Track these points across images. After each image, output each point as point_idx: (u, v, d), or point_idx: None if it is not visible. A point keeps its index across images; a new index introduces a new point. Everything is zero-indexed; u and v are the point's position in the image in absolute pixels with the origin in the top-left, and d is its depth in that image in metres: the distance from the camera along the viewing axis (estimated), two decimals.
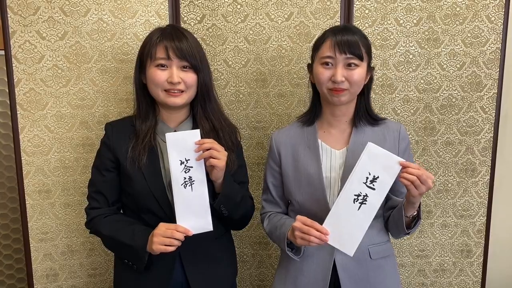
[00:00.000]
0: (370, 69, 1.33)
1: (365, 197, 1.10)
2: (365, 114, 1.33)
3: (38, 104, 1.70)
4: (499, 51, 1.73)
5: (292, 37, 1.76)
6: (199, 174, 1.20)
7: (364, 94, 1.34)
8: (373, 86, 1.78)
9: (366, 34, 1.71)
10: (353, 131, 1.32)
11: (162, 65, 1.28)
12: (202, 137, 1.22)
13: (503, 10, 1.70)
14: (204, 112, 1.37)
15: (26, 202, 1.74)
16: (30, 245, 1.78)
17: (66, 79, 1.71)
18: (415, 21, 1.73)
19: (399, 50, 1.75)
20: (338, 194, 1.19)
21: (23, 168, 1.72)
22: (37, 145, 1.72)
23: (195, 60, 1.29)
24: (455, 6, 1.71)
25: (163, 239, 1.18)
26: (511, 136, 1.99)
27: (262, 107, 1.83)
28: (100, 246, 1.86)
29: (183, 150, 1.18)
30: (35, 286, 1.82)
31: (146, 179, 1.30)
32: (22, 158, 1.71)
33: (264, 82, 1.81)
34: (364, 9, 1.73)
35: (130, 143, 1.32)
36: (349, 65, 1.25)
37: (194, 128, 1.35)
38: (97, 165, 1.37)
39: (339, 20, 1.73)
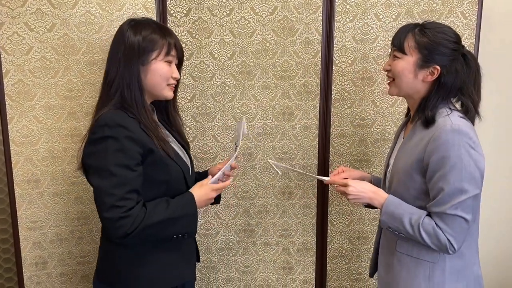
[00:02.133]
0: (424, 64, 1.27)
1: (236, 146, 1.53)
2: (421, 113, 1.30)
3: (26, 95, 1.72)
4: (473, 46, 1.81)
5: (276, 31, 1.82)
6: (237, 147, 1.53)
7: (431, 94, 1.29)
8: (354, 79, 1.86)
9: (347, 28, 1.81)
10: (412, 126, 1.35)
11: (170, 61, 1.35)
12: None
13: (477, 7, 1.78)
14: (174, 105, 1.50)
15: (15, 192, 1.77)
16: (19, 234, 1.81)
17: (54, 71, 1.73)
18: (393, 16, 1.80)
19: (379, 44, 1.82)
20: (386, 178, 1.44)
21: (12, 158, 1.74)
22: (26, 136, 1.75)
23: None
24: (432, 2, 1.78)
25: (214, 191, 1.40)
26: (484, 127, 2.07)
27: (247, 98, 1.88)
28: (89, 235, 1.90)
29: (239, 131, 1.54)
30: (24, 274, 1.85)
31: (178, 164, 1.37)
32: (11, 148, 1.73)
33: (249, 75, 1.86)
34: (346, 4, 1.79)
35: (150, 133, 1.29)
36: (394, 56, 1.33)
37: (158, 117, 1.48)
38: (125, 163, 1.23)
39: (321, 14, 1.79)
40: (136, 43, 1.30)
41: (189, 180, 1.42)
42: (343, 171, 1.52)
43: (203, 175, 1.57)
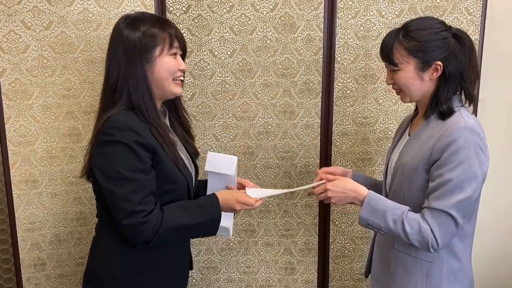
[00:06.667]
0: (425, 65, 1.24)
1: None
2: (435, 108, 1.27)
3: (24, 94, 1.69)
4: (477, 42, 1.78)
5: (277, 28, 1.79)
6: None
7: (440, 88, 1.26)
8: (356, 77, 1.83)
9: (349, 25, 1.78)
10: (422, 122, 1.31)
11: (175, 54, 1.28)
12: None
13: (481, 3, 1.75)
14: (180, 103, 1.43)
15: (13, 192, 1.75)
16: (18, 235, 1.78)
17: (51, 69, 1.71)
18: (396, 12, 1.77)
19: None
20: (387, 175, 1.41)
21: (9, 158, 1.72)
22: (23, 135, 1.72)
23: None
24: None
25: (239, 204, 1.32)
26: (488, 124, 2.04)
27: (248, 97, 1.86)
28: (88, 236, 1.87)
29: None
30: (23, 276, 1.83)
31: (184, 174, 1.30)
32: (8, 148, 1.71)
33: (249, 72, 1.83)
34: (347, 0, 1.76)
35: (160, 139, 1.24)
36: (392, 69, 1.29)
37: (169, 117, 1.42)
38: (139, 167, 1.18)
39: (323, 11, 1.76)
40: (137, 40, 1.22)
41: (191, 191, 1.35)
42: (325, 171, 1.47)
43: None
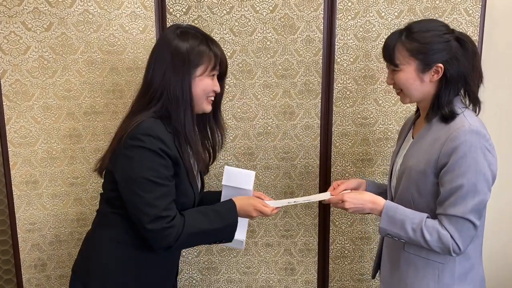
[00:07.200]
0: (425, 67, 1.24)
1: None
2: (437, 111, 1.27)
3: (24, 95, 1.70)
4: (477, 43, 1.78)
5: (277, 29, 1.80)
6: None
7: (441, 90, 1.26)
8: (355, 77, 1.83)
9: (348, 26, 1.78)
10: (425, 125, 1.31)
11: (213, 75, 1.31)
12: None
13: (480, 4, 1.75)
14: (216, 118, 1.45)
15: (13, 193, 1.75)
16: (18, 236, 1.79)
17: (52, 70, 1.71)
18: (396, 13, 1.77)
19: (381, 42, 1.79)
20: (391, 179, 1.41)
21: (10, 159, 1.72)
22: (24, 136, 1.73)
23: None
24: None
25: (255, 211, 1.35)
26: (487, 124, 2.04)
27: (248, 98, 1.86)
28: None
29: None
30: (23, 276, 1.84)
31: (193, 190, 1.33)
32: (8, 149, 1.71)
33: (249, 73, 1.84)
34: (347, 1, 1.77)
35: (182, 153, 1.27)
36: (392, 69, 1.29)
37: None
38: (166, 174, 1.22)
39: (322, 12, 1.77)
40: (185, 53, 1.24)
41: (195, 206, 1.38)
42: (339, 185, 1.47)
43: (216, 196, 1.50)
